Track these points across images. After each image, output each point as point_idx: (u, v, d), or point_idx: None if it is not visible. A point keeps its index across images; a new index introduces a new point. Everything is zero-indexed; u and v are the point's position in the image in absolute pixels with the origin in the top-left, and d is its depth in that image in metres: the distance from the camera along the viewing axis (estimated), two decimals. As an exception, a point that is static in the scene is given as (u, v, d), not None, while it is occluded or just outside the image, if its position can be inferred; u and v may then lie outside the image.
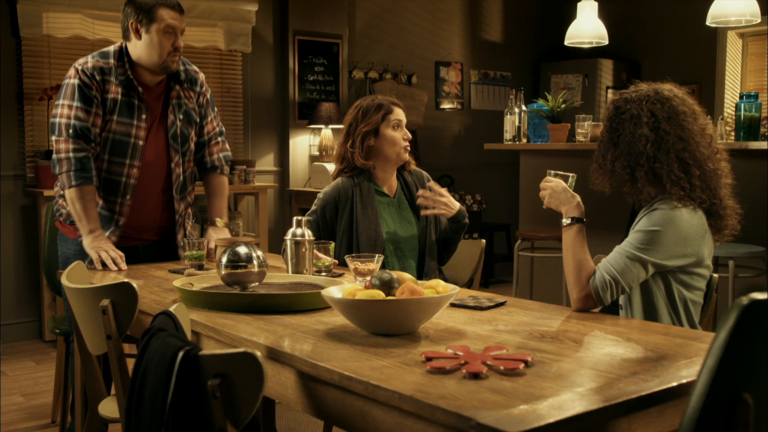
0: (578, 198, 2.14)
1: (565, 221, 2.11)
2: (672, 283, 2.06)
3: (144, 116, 2.76)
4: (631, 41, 6.98)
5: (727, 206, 2.11)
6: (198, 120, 2.93)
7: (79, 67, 2.69)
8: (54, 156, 2.71)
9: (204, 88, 2.96)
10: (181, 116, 2.85)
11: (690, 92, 2.21)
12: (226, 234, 2.86)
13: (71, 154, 2.66)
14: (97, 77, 2.69)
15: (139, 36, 2.69)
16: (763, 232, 3.70)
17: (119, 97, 2.71)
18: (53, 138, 2.72)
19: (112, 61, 2.72)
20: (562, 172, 2.21)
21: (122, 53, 2.74)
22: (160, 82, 2.81)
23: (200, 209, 5.36)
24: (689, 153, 2.06)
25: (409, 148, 2.84)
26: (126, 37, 2.74)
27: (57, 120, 2.69)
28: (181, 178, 2.88)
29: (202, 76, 2.96)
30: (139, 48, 2.70)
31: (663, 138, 2.06)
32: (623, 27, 6.84)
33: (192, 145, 2.93)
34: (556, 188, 2.16)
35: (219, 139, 3.03)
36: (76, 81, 2.68)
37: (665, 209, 2.01)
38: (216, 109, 3.04)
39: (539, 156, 4.81)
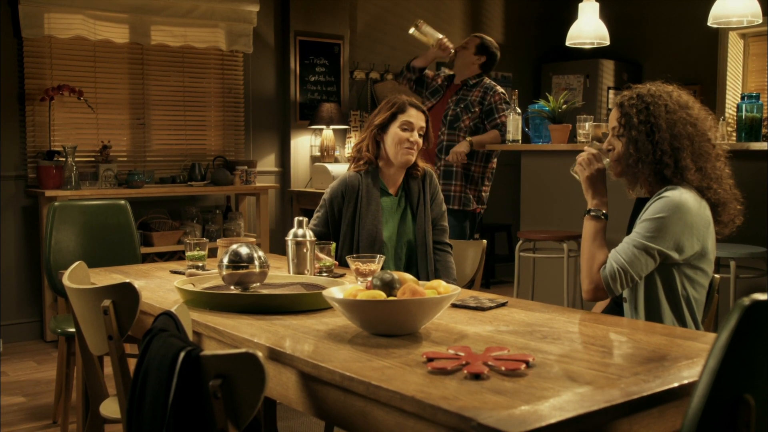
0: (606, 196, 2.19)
1: (593, 212, 2.16)
2: (676, 278, 2.08)
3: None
4: (633, 42, 6.98)
5: (728, 201, 2.15)
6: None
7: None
8: None
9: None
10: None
11: (691, 93, 2.25)
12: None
13: None
14: None
15: None
16: (764, 233, 3.70)
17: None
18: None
19: None
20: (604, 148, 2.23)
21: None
22: None
23: (201, 210, 5.36)
24: (708, 139, 2.14)
25: (413, 151, 2.78)
26: None
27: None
28: None
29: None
30: None
31: (696, 122, 2.12)
32: (624, 27, 6.83)
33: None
34: (601, 171, 2.18)
35: None
36: None
37: (671, 197, 2.04)
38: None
39: (540, 157, 4.81)
